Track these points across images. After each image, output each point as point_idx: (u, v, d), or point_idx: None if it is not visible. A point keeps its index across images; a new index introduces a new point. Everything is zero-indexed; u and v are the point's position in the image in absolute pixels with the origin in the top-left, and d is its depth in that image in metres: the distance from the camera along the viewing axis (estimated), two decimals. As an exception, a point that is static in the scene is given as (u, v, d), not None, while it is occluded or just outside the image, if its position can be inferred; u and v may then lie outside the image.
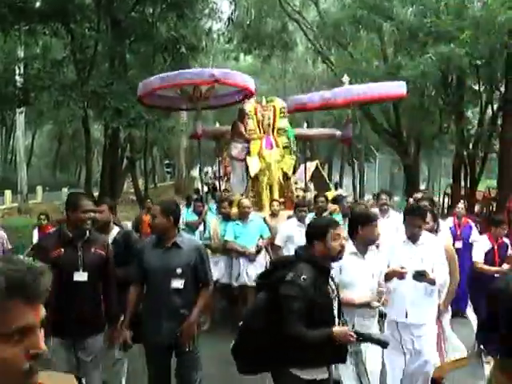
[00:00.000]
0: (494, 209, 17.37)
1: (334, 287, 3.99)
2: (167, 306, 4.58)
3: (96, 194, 18.24)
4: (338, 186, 22.87)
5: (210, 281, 4.88)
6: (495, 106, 19.81)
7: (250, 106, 11.41)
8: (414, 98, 19.15)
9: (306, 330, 3.60)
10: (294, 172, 12.08)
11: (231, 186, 11.79)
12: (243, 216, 8.52)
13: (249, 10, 25.76)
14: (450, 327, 6.10)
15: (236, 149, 11.31)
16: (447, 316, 6.10)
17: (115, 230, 5.89)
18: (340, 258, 4.09)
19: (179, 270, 4.54)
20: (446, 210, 20.41)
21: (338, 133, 15.37)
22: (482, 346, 4.32)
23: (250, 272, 8.21)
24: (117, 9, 15.80)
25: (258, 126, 11.41)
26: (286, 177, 11.27)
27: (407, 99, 19.02)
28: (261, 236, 8.58)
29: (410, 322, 5.20)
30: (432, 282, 5.04)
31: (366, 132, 27.02)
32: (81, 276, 4.52)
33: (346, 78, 10.68)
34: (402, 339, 5.23)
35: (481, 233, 9.26)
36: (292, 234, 8.00)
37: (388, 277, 4.98)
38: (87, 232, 4.62)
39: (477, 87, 19.96)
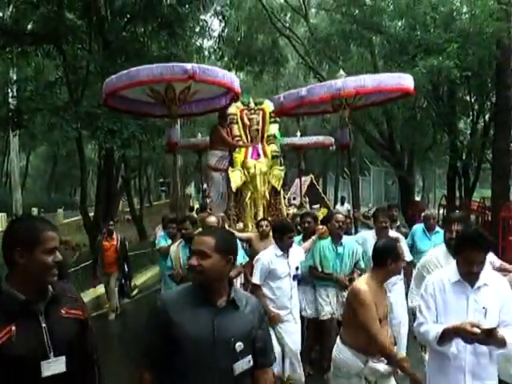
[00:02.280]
0: (489, 218, 17.40)
1: None
2: None
3: (91, 214, 18.24)
4: (344, 200, 22.37)
5: (273, 361, 3.22)
6: (487, 117, 19.90)
7: (234, 108, 10.16)
8: (406, 111, 19.26)
9: None
10: (283, 185, 10.65)
11: (211, 202, 10.30)
12: None
13: (239, 26, 25.86)
14: None
15: (215, 157, 9.99)
16: None
17: None
18: None
19: (239, 345, 2.85)
20: (441, 222, 20.44)
21: (333, 141, 14.62)
22: None
23: None
24: (108, 29, 15.88)
25: (245, 133, 10.16)
26: (274, 191, 9.87)
27: (399, 112, 19.24)
28: None
29: None
30: (503, 344, 3.45)
31: (359, 145, 27.09)
32: (54, 365, 2.66)
33: (342, 73, 9.35)
34: None
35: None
36: (274, 267, 6.26)
37: (448, 336, 3.58)
38: (50, 286, 2.75)
39: (468, 98, 20.08)
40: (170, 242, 8.07)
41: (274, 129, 10.35)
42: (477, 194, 22.29)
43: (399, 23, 18.38)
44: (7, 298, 2.57)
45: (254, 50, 25.76)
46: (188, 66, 7.49)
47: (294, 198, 16.20)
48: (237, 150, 9.95)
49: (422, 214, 10.25)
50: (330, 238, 7.13)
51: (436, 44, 15.32)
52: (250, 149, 9.93)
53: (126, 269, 11.47)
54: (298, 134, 16.95)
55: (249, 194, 9.54)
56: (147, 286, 13.99)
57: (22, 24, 16.50)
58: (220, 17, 22.17)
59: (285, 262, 6.37)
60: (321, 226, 7.37)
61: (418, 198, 29.74)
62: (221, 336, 2.80)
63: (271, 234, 7.46)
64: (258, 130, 10.16)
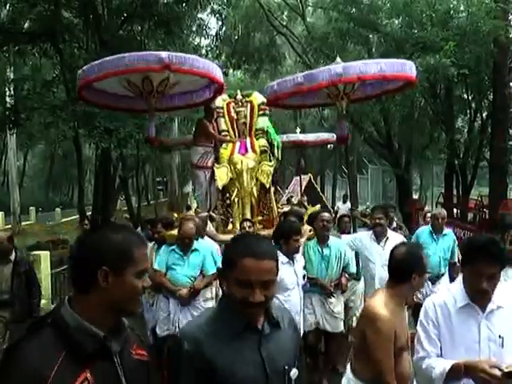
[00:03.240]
0: (487, 216, 17.43)
1: None
2: None
3: (89, 213, 18.23)
4: (346, 198, 21.34)
5: None
6: (484, 115, 19.94)
7: (220, 101, 9.54)
8: (403, 109, 19.27)
9: None
10: (280, 183, 9.99)
11: (197, 201, 9.70)
12: (183, 241, 6.15)
13: (236, 25, 25.91)
14: None
15: (197, 154, 9.26)
16: None
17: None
18: None
19: (294, 373, 2.31)
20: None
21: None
22: None
23: (182, 321, 5.89)
24: (105, 28, 15.86)
25: (232, 127, 9.51)
26: (263, 189, 9.13)
27: (397, 110, 19.23)
28: (202, 271, 6.25)
29: None
30: None
31: (357, 144, 27.07)
32: None
33: (338, 60, 8.84)
34: None
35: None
36: (281, 277, 4.97)
37: (457, 375, 2.88)
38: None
39: (465, 96, 20.11)
40: (150, 244, 7.16)
41: (263, 122, 9.61)
42: (474, 191, 22.32)
43: (396, 21, 18.39)
44: (80, 335, 1.87)
45: (251, 49, 25.80)
46: (163, 54, 6.95)
47: (292, 197, 16.03)
48: (223, 145, 9.37)
49: (428, 214, 9.52)
50: (315, 239, 6.50)
51: (433, 42, 15.32)
52: (238, 143, 9.33)
53: None
54: (298, 130, 16.12)
55: (236, 191, 8.86)
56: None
57: (18, 23, 16.48)
58: (217, 15, 22.18)
59: (291, 270, 5.66)
60: (306, 227, 6.85)
61: (415, 196, 29.72)
62: (273, 368, 2.23)
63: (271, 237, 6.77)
64: (245, 123, 9.51)
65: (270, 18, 23.72)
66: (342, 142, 9.86)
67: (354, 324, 7.54)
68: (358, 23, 18.14)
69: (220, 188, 8.93)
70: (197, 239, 6.37)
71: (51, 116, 14.11)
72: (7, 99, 17.33)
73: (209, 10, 21.74)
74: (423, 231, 7.92)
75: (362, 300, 7.39)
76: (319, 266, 6.39)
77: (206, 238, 6.91)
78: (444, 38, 15.09)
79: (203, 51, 25.63)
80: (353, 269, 6.66)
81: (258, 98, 9.60)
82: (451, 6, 16.66)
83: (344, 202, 20.98)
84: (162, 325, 6.27)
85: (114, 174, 22.77)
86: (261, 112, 9.59)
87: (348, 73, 7.18)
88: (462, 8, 16.82)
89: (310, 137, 15.02)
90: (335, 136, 9.63)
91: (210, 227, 7.67)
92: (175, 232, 6.52)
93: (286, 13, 27.18)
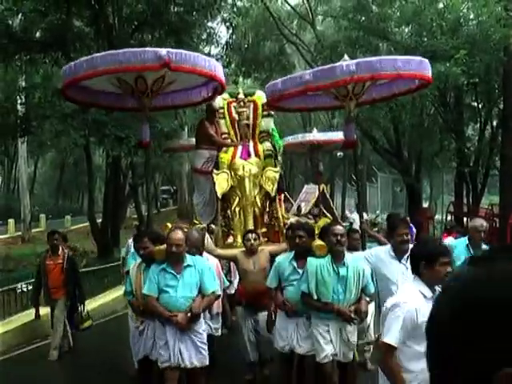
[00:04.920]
0: (497, 225, 17.34)
1: None
2: None
3: (99, 220, 18.31)
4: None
5: None
6: (494, 123, 19.88)
7: (221, 100, 8.74)
8: (413, 117, 19.26)
9: None
10: (279, 190, 8.79)
11: (196, 211, 8.83)
12: (171, 254, 5.30)
13: (246, 33, 26.00)
14: None
15: (201, 158, 8.51)
16: None
17: None
18: None
19: None
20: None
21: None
22: None
23: (183, 351, 5.33)
24: (116, 36, 15.97)
25: (233, 128, 8.68)
26: (268, 197, 8.28)
27: (407, 119, 19.21)
28: (201, 292, 5.41)
29: None
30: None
31: (367, 152, 27.11)
32: None
33: (346, 57, 7.59)
34: None
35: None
36: (422, 319, 3.67)
37: None
38: None
39: (475, 104, 20.06)
40: (136, 262, 6.27)
41: (267, 124, 8.79)
42: (485, 200, 22.22)
43: (406, 30, 18.42)
44: None
45: (261, 57, 25.86)
46: (162, 51, 6.28)
47: (299, 207, 15.24)
48: (224, 148, 8.48)
49: (470, 225, 7.68)
50: (329, 256, 5.45)
51: (443, 51, 15.32)
52: (240, 147, 8.42)
53: (78, 292, 8.95)
54: (315, 130, 14.65)
55: (237, 200, 7.95)
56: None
57: (30, 32, 16.63)
58: (227, 24, 22.25)
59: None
60: (319, 242, 5.69)
61: (425, 205, 29.65)
62: None
63: (262, 249, 6.59)
64: (248, 125, 8.60)
65: (280, 27, 23.87)
66: (349, 147, 8.71)
67: (369, 351, 7.12)
68: (367, 31, 18.19)
69: (220, 196, 8.01)
70: (193, 255, 5.57)
71: (62, 124, 14.20)
72: (19, 107, 17.46)
73: (219, 19, 21.76)
74: (459, 243, 6.79)
75: (372, 322, 6.69)
76: (335, 289, 5.37)
77: (204, 254, 6.17)
78: (454, 46, 15.09)
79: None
80: (372, 289, 5.57)
81: (261, 97, 8.63)
82: (461, 14, 16.66)
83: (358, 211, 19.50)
84: (162, 352, 5.37)
85: (124, 181, 22.89)
86: (265, 113, 8.75)
87: (361, 70, 6.38)
88: (471, 16, 16.82)
89: (322, 136, 13.74)
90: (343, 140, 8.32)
91: (208, 240, 6.84)
92: (164, 247, 5.49)
93: (295, 21, 27.36)
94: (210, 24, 20.29)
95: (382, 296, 5.42)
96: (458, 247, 6.50)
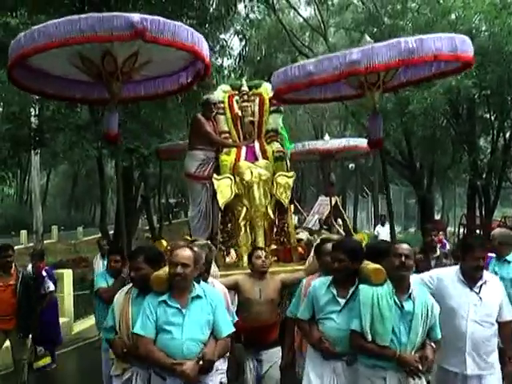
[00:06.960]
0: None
1: None
2: None
3: (111, 232, 18.34)
4: (384, 219, 17.80)
5: None
6: (507, 135, 19.77)
7: (221, 93, 7.52)
8: (425, 129, 19.19)
9: None
10: (292, 201, 7.61)
11: (191, 226, 7.56)
12: (176, 285, 3.87)
13: (259, 45, 26.17)
14: None
15: (195, 161, 7.20)
16: None
17: None
18: None
19: None
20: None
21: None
22: None
23: None
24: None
25: (235, 126, 7.41)
26: (280, 208, 6.97)
27: (419, 131, 19.15)
28: (213, 333, 3.91)
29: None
30: None
31: (378, 164, 27.01)
32: None
33: (367, 39, 6.91)
34: None
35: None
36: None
37: None
38: None
39: (488, 116, 19.97)
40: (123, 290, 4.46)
41: (275, 121, 7.48)
42: (498, 212, 22.07)
43: (417, 41, 18.38)
44: None
45: (273, 69, 25.82)
46: (135, 16, 4.84)
47: (320, 220, 14.34)
48: (224, 150, 7.25)
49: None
50: (388, 284, 4.01)
51: (455, 62, 15.27)
52: (244, 148, 7.19)
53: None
54: (327, 136, 13.47)
55: (243, 211, 6.66)
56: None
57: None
58: (240, 36, 22.37)
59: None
60: (374, 265, 4.15)
61: (437, 217, 29.51)
62: None
63: (273, 270, 5.41)
64: (253, 122, 7.36)
65: (293, 39, 23.97)
66: (374, 146, 6.89)
67: None
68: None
69: (221, 206, 6.77)
70: (198, 282, 4.06)
71: (75, 136, 14.26)
72: (32, 119, 17.56)
73: (232, 31, 21.93)
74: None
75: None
76: (397, 329, 3.93)
77: (210, 279, 4.71)
78: (466, 58, 15.04)
79: (226, 71, 25.91)
80: (439, 333, 4.11)
81: (269, 89, 7.36)
82: (473, 25, 16.61)
83: (383, 224, 17.74)
84: None
85: (136, 193, 22.93)
86: (273, 108, 7.48)
87: (388, 57, 5.21)
88: (483, 28, 16.78)
89: (338, 143, 12.23)
90: (366, 140, 7.59)
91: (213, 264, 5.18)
92: (165, 272, 3.96)
93: (308, 33, 27.49)
94: (222, 36, 20.43)
95: (444, 332, 4.18)
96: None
